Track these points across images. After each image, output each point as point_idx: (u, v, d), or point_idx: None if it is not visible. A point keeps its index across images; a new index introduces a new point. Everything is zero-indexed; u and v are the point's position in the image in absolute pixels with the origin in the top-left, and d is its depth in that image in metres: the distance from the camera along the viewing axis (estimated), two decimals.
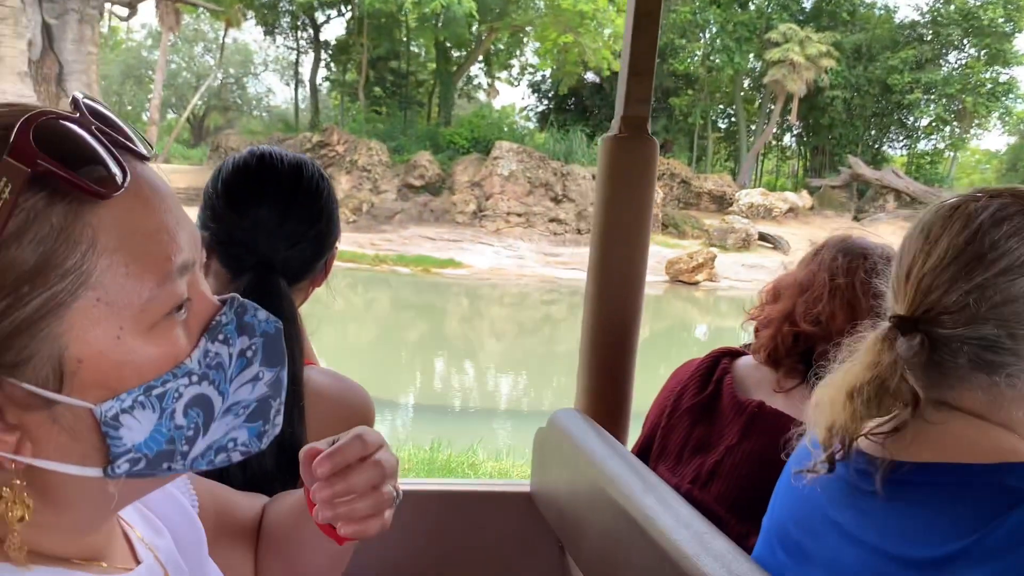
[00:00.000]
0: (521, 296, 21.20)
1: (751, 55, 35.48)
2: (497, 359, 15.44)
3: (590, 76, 37.68)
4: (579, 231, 25.41)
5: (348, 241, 21.24)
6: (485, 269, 21.80)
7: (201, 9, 35.57)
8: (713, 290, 22.13)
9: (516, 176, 25.23)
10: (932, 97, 35.46)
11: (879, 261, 1.40)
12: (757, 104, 39.40)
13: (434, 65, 29.97)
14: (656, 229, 27.13)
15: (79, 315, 0.54)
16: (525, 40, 30.52)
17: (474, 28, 27.83)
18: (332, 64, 32.26)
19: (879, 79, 35.28)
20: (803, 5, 37.14)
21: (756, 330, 1.63)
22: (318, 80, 32.60)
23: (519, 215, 24.98)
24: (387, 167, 25.50)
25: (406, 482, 3.18)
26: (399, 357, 15.15)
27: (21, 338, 0.52)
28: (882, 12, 37.11)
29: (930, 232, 1.02)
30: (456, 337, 17.51)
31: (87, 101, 0.59)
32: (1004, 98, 34.38)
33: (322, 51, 32.11)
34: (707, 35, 35.65)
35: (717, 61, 35.27)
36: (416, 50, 30.79)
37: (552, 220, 25.32)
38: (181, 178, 27.20)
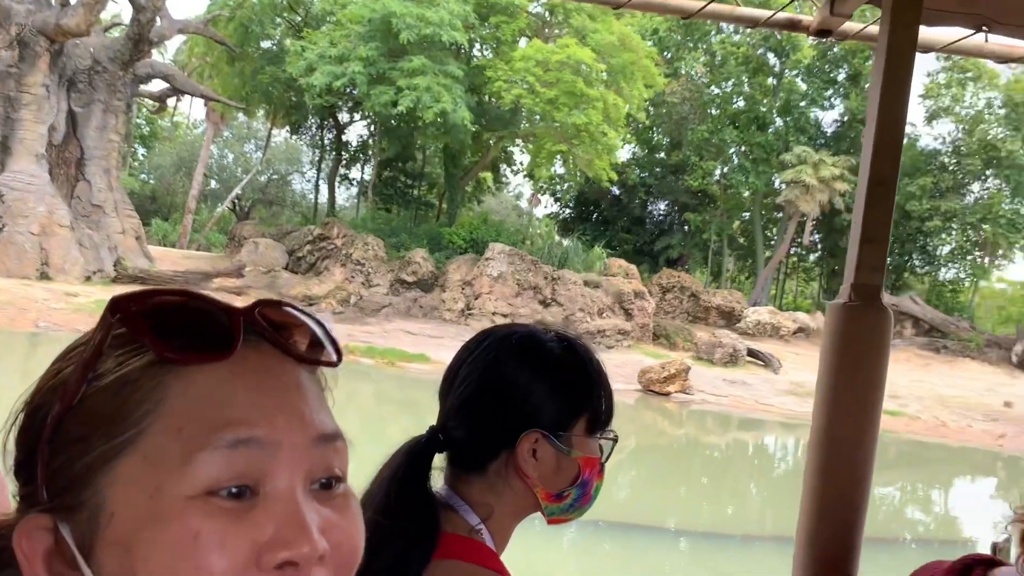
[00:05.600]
0: None
1: (769, 176, 35.86)
2: None
3: (615, 189, 38.62)
4: None
5: None
6: None
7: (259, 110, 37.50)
8: (686, 403, 21.78)
9: (505, 277, 25.63)
10: (953, 226, 35.05)
11: None
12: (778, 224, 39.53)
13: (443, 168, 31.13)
14: (646, 339, 27.06)
15: (125, 469, 0.53)
16: (524, 150, 31.48)
17: (483, 136, 28.87)
18: (350, 163, 33.79)
19: (898, 205, 35.10)
20: (823, 129, 37.60)
21: None
22: (337, 178, 34.06)
23: (504, 316, 25.21)
24: (382, 262, 26.21)
25: None
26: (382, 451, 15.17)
27: (80, 483, 0.54)
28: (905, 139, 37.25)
29: None
30: None
31: (273, 302, 0.60)
32: None
33: (344, 151, 33.72)
34: (724, 155, 36.23)
35: (733, 180, 35.72)
36: (426, 154, 32.11)
37: (537, 323, 25.49)
38: (190, 263, 28.43)
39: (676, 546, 10.90)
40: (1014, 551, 1.37)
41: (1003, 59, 2.58)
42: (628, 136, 33.33)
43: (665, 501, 13.50)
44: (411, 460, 1.16)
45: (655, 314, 28.45)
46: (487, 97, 27.71)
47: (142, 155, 50.81)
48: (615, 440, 1.24)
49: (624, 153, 37.49)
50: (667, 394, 21.69)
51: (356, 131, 36.62)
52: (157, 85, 29.54)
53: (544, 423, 1.17)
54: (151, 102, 29.69)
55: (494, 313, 25.32)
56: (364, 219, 29.24)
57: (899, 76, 1.96)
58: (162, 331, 0.55)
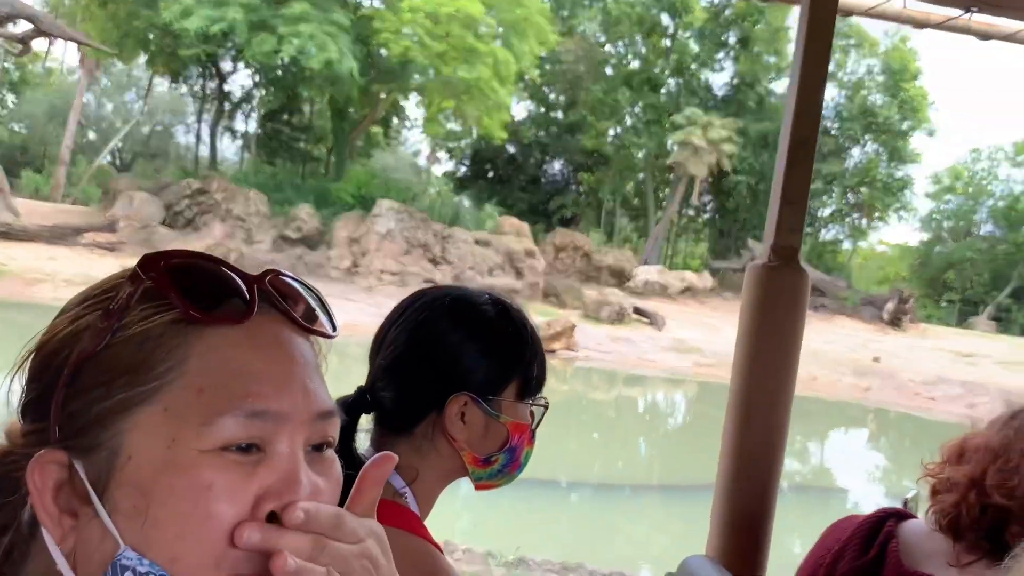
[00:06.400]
0: None
1: (662, 137, 36.30)
2: None
3: (511, 148, 38.43)
4: None
5: None
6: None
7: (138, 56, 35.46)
8: (571, 359, 22.03)
9: (394, 235, 25.23)
10: (833, 188, 36.37)
11: None
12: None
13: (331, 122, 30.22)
14: (537, 297, 27.18)
15: (145, 417, 0.56)
16: (420, 105, 30.92)
17: (372, 89, 28.11)
18: (234, 114, 32.46)
19: None
20: (714, 92, 38.26)
21: (934, 491, 1.46)
22: (220, 130, 32.71)
23: (393, 274, 24.87)
24: (265, 218, 25.38)
25: None
26: None
27: (99, 426, 0.57)
28: None
29: None
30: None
31: (278, 272, 0.63)
32: (900, 193, 35.33)
33: (226, 101, 32.32)
34: (618, 115, 36.43)
35: (627, 141, 36.00)
36: (314, 106, 31.12)
37: (427, 281, 25.20)
38: (60, 216, 26.87)
39: (567, 498, 11.11)
40: (923, 505, 1.51)
41: (921, 24, 2.63)
42: (522, 94, 33.08)
43: (554, 456, 13.68)
44: None
45: (549, 273, 28.60)
46: (376, 49, 26.95)
47: (12, 102, 47.69)
48: (546, 407, 1.22)
49: (520, 111, 37.34)
50: (552, 351, 21.87)
51: (240, 81, 35.25)
52: (23, 27, 27.53)
53: (474, 386, 1.15)
54: (14, 44, 27.63)
55: (382, 271, 24.93)
56: (246, 173, 28.23)
57: (821, 38, 2.03)
58: (187, 291, 0.58)
